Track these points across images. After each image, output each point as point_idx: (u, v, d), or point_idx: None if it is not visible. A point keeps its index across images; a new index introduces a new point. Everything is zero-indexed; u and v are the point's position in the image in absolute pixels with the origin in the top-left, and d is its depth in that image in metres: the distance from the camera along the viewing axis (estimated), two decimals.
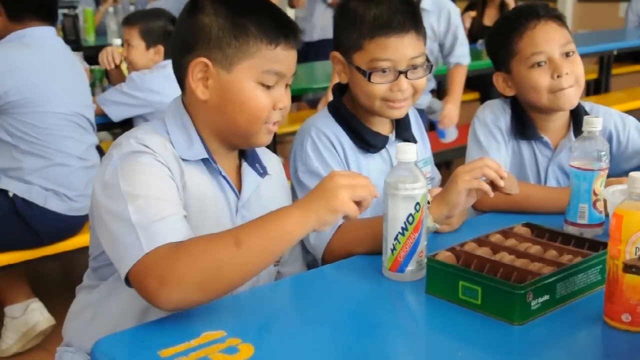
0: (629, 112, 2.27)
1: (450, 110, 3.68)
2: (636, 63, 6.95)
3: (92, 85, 3.28)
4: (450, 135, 3.71)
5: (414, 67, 1.62)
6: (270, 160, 1.57)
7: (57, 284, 3.52)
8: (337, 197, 1.22)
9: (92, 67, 3.41)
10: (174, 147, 1.37)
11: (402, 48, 1.60)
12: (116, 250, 1.24)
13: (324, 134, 1.66)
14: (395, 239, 1.37)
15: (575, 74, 1.83)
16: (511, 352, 1.17)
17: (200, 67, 1.36)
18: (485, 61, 4.88)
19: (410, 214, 1.35)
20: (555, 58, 1.82)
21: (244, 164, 1.48)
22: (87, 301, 1.46)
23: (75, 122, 2.65)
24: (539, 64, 1.83)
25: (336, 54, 1.68)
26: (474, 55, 5.23)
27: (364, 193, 1.25)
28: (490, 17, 5.66)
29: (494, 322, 1.22)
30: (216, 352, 1.11)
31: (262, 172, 1.50)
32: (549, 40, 1.83)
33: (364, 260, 1.49)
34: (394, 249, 1.37)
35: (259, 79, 1.36)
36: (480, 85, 5.49)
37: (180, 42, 1.41)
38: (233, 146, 1.45)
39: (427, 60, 1.65)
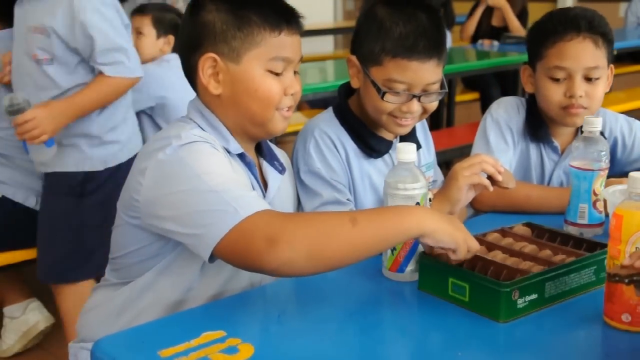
0: (629, 112, 2.28)
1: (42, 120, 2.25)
2: (636, 63, 6.96)
3: None
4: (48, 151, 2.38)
5: (428, 92, 1.59)
6: (281, 156, 1.60)
7: None
8: (460, 236, 1.25)
9: None
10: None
11: (420, 73, 1.56)
12: (198, 223, 1.22)
13: (327, 136, 1.66)
14: None
15: (591, 98, 1.80)
16: (497, 349, 1.18)
17: (209, 63, 1.38)
18: (485, 61, 4.89)
19: None
20: (575, 79, 1.78)
21: (264, 163, 1.51)
22: (112, 297, 1.45)
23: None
24: (557, 79, 1.81)
25: (353, 58, 1.65)
26: (475, 55, 5.24)
27: (476, 248, 1.29)
28: (497, 18, 5.67)
29: (481, 319, 1.23)
30: (216, 352, 1.11)
31: (281, 169, 1.53)
32: (576, 59, 1.78)
33: (364, 260, 1.48)
34: (394, 249, 1.37)
35: (268, 67, 1.38)
36: (480, 85, 5.50)
37: (186, 43, 1.43)
38: (252, 137, 1.47)
39: (443, 86, 1.62)
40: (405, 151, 1.35)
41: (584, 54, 1.78)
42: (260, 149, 1.52)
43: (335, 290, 1.37)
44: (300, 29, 1.43)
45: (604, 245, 1.30)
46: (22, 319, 2.71)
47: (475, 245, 1.28)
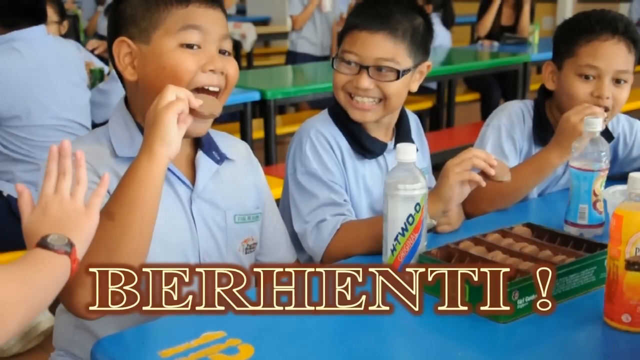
0: (629, 112, 2.28)
1: None
2: (636, 63, 6.96)
3: (93, 86, 3.29)
4: None
5: (379, 67, 1.60)
6: (235, 146, 1.55)
7: None
8: (162, 122, 1.22)
9: (92, 67, 3.42)
10: (115, 149, 1.37)
11: (369, 45, 1.59)
12: None
13: (323, 136, 1.65)
14: (395, 239, 1.37)
15: (615, 101, 1.80)
16: (497, 349, 1.18)
17: (124, 49, 1.36)
18: (485, 62, 4.89)
19: (410, 215, 1.35)
20: (604, 80, 1.79)
21: (200, 153, 1.44)
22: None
23: (67, 131, 2.66)
24: (586, 77, 1.80)
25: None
26: (475, 55, 5.25)
27: (183, 106, 1.24)
28: (507, 17, 5.68)
29: (481, 319, 1.22)
30: (216, 353, 1.11)
31: (219, 159, 1.47)
32: (609, 60, 1.78)
33: (364, 261, 1.48)
34: (394, 249, 1.37)
35: (179, 40, 1.34)
36: (480, 86, 5.50)
37: (108, 36, 1.43)
38: None
39: (407, 70, 1.61)
40: (405, 151, 1.36)
41: (616, 56, 1.79)
42: (199, 139, 1.45)
43: None
44: (217, 5, 1.39)
45: (604, 246, 1.30)
46: None
47: (182, 105, 1.23)
